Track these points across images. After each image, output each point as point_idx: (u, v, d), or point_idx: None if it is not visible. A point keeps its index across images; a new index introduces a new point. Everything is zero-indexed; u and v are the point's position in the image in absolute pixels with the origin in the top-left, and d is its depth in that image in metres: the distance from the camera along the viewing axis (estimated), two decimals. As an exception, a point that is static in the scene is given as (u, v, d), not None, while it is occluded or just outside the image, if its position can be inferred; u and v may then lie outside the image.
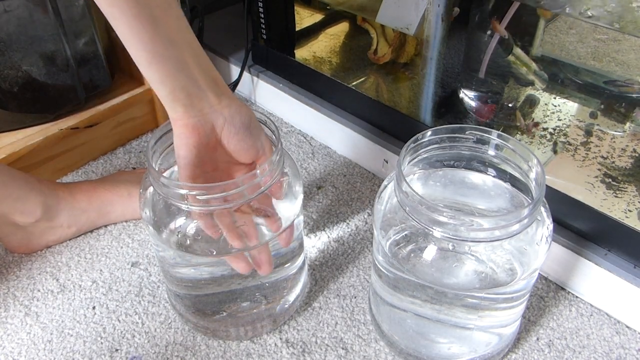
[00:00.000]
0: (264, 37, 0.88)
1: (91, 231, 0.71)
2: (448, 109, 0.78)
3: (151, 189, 0.51)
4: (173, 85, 0.45)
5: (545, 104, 0.78)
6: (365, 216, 0.73)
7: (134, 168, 0.82)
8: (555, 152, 0.70)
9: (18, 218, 0.64)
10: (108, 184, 0.71)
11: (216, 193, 0.47)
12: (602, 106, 0.75)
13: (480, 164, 0.52)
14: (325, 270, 0.66)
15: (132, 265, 0.67)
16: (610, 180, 0.67)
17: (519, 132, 0.75)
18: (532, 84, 0.79)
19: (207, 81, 0.47)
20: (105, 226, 0.72)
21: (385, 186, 0.51)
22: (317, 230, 0.71)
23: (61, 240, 0.69)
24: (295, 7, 0.91)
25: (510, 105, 0.78)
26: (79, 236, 0.70)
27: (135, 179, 0.72)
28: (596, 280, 0.60)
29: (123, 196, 0.70)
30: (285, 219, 0.53)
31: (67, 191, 0.67)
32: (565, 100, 0.78)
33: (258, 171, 0.48)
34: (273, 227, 0.52)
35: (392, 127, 0.78)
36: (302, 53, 0.94)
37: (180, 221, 0.51)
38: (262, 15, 0.86)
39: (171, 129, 0.53)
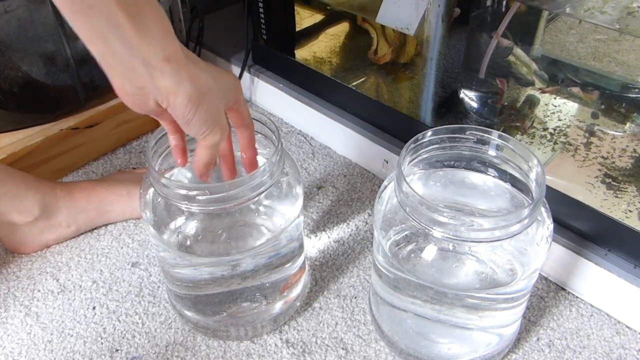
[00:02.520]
0: (264, 37, 0.88)
1: (91, 231, 0.71)
2: (448, 109, 0.78)
3: (152, 189, 0.51)
4: (104, 50, 0.37)
5: (545, 104, 0.78)
6: (366, 216, 0.73)
7: (134, 168, 0.82)
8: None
9: (16, 217, 0.64)
10: (107, 183, 0.70)
11: (217, 193, 0.47)
12: (603, 106, 0.75)
13: (480, 164, 0.52)
14: (326, 271, 0.66)
15: (132, 266, 0.67)
16: (610, 180, 0.67)
17: (519, 132, 0.75)
18: (532, 84, 0.79)
19: (153, 52, 0.37)
20: (105, 226, 0.72)
21: (386, 186, 0.51)
22: (317, 231, 0.71)
23: (60, 240, 0.69)
24: (295, 7, 0.91)
25: (510, 105, 0.78)
26: (78, 236, 0.70)
27: (134, 179, 0.72)
28: (596, 281, 0.60)
29: (122, 195, 0.70)
30: (285, 220, 0.53)
31: (65, 190, 0.67)
32: (565, 100, 0.78)
33: (260, 171, 0.48)
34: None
35: (392, 127, 0.78)
36: (302, 53, 0.94)
37: (180, 221, 0.51)
38: (262, 15, 0.86)
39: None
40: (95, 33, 0.36)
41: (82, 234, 0.71)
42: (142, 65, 0.38)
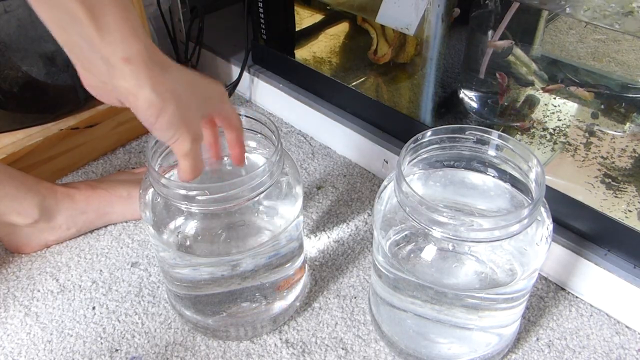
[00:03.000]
0: (264, 37, 0.88)
1: (91, 231, 0.71)
2: (448, 109, 0.78)
3: (151, 189, 0.51)
4: (65, 40, 0.36)
5: (545, 104, 0.78)
6: (365, 216, 0.73)
7: (134, 168, 0.82)
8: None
9: (15, 218, 0.64)
10: (107, 184, 0.70)
11: (217, 193, 0.47)
12: (603, 106, 0.75)
13: (480, 164, 0.52)
14: (325, 271, 0.66)
15: (132, 266, 0.67)
16: (610, 180, 0.67)
17: (519, 132, 0.75)
18: (532, 84, 0.79)
19: (112, 51, 0.35)
20: (105, 226, 0.72)
21: (385, 186, 0.51)
22: (317, 231, 0.71)
23: (61, 241, 0.69)
24: (295, 7, 0.91)
25: (510, 105, 0.78)
26: (78, 236, 0.70)
27: (134, 179, 0.72)
28: (596, 281, 0.60)
29: (122, 197, 0.70)
30: (285, 220, 0.53)
31: (65, 192, 0.67)
32: (565, 100, 0.78)
33: (259, 171, 0.48)
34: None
35: (392, 127, 0.78)
36: (302, 53, 0.94)
37: (180, 221, 0.51)
38: (262, 15, 0.86)
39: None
40: (54, 22, 0.35)
41: (82, 234, 0.71)
42: (102, 62, 0.36)
